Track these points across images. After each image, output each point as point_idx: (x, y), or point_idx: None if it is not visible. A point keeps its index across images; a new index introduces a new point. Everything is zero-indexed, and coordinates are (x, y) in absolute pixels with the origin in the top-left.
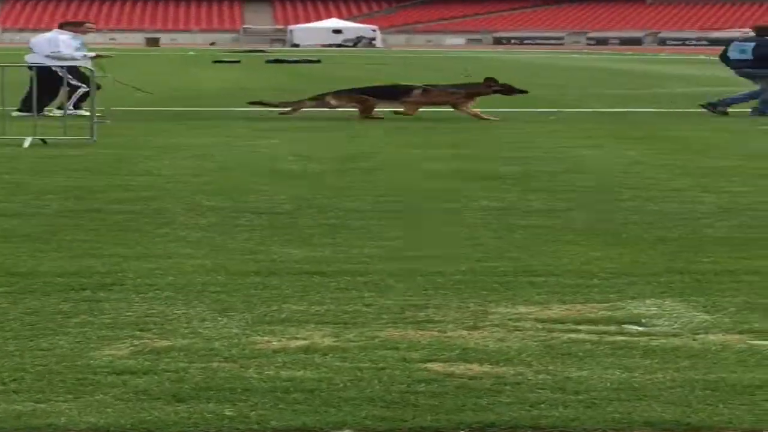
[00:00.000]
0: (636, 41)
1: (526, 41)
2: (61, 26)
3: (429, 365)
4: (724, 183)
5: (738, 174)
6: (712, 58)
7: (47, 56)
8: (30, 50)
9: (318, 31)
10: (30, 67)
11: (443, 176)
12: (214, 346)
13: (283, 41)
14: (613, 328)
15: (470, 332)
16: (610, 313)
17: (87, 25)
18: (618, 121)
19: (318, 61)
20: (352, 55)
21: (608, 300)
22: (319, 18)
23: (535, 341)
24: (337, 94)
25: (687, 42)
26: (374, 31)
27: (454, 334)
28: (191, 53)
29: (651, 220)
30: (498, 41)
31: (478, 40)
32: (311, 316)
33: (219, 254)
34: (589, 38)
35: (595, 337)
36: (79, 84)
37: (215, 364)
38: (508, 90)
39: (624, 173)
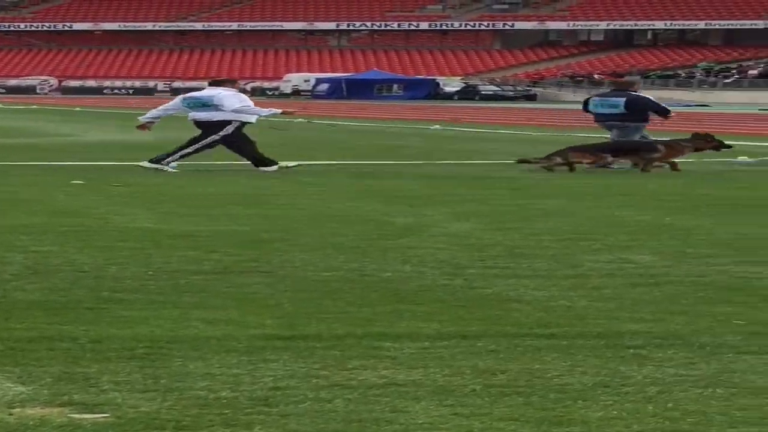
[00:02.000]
0: None
1: None
2: (220, 83)
3: None
4: (31, 242)
5: (46, 231)
6: (15, 107)
7: (234, 111)
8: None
9: None
10: (208, 126)
11: None
12: None
13: None
14: None
15: None
16: None
17: (239, 82)
18: None
19: None
20: None
21: None
22: None
23: None
24: (576, 149)
25: None
26: None
27: None
28: None
29: None
30: None
31: None
32: None
33: None
34: None
35: None
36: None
37: None
38: (719, 146)
39: None
